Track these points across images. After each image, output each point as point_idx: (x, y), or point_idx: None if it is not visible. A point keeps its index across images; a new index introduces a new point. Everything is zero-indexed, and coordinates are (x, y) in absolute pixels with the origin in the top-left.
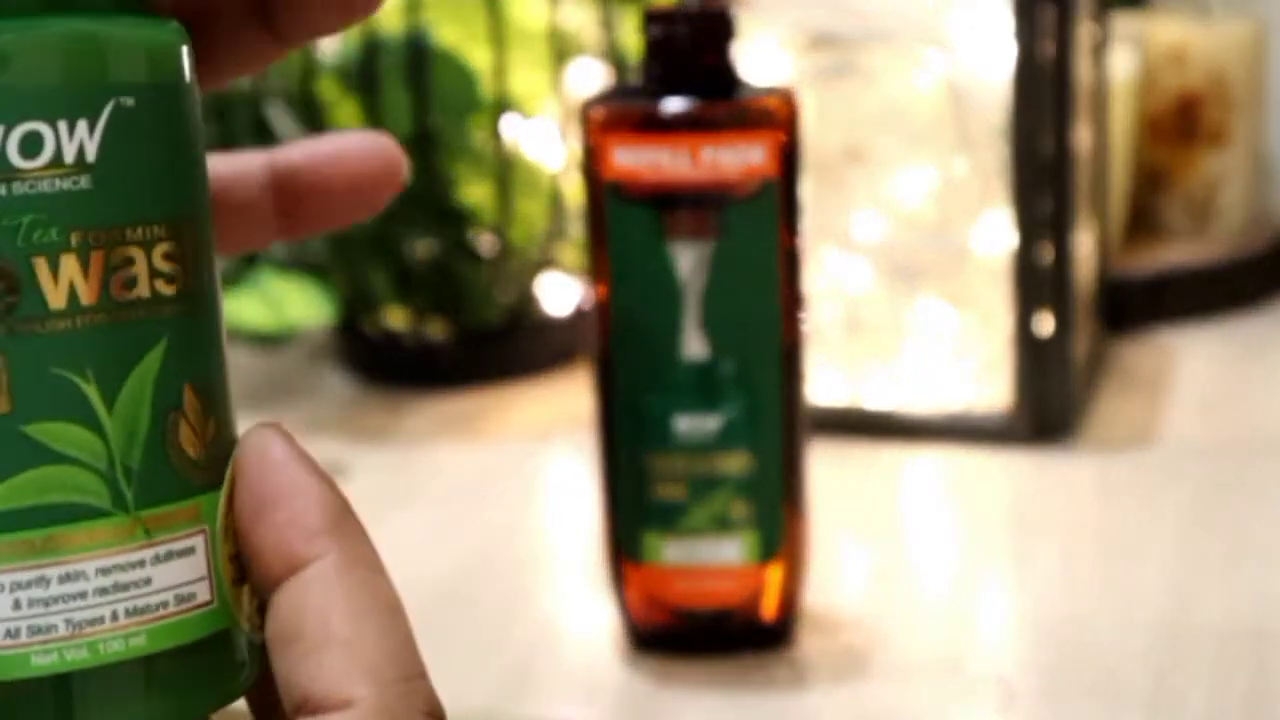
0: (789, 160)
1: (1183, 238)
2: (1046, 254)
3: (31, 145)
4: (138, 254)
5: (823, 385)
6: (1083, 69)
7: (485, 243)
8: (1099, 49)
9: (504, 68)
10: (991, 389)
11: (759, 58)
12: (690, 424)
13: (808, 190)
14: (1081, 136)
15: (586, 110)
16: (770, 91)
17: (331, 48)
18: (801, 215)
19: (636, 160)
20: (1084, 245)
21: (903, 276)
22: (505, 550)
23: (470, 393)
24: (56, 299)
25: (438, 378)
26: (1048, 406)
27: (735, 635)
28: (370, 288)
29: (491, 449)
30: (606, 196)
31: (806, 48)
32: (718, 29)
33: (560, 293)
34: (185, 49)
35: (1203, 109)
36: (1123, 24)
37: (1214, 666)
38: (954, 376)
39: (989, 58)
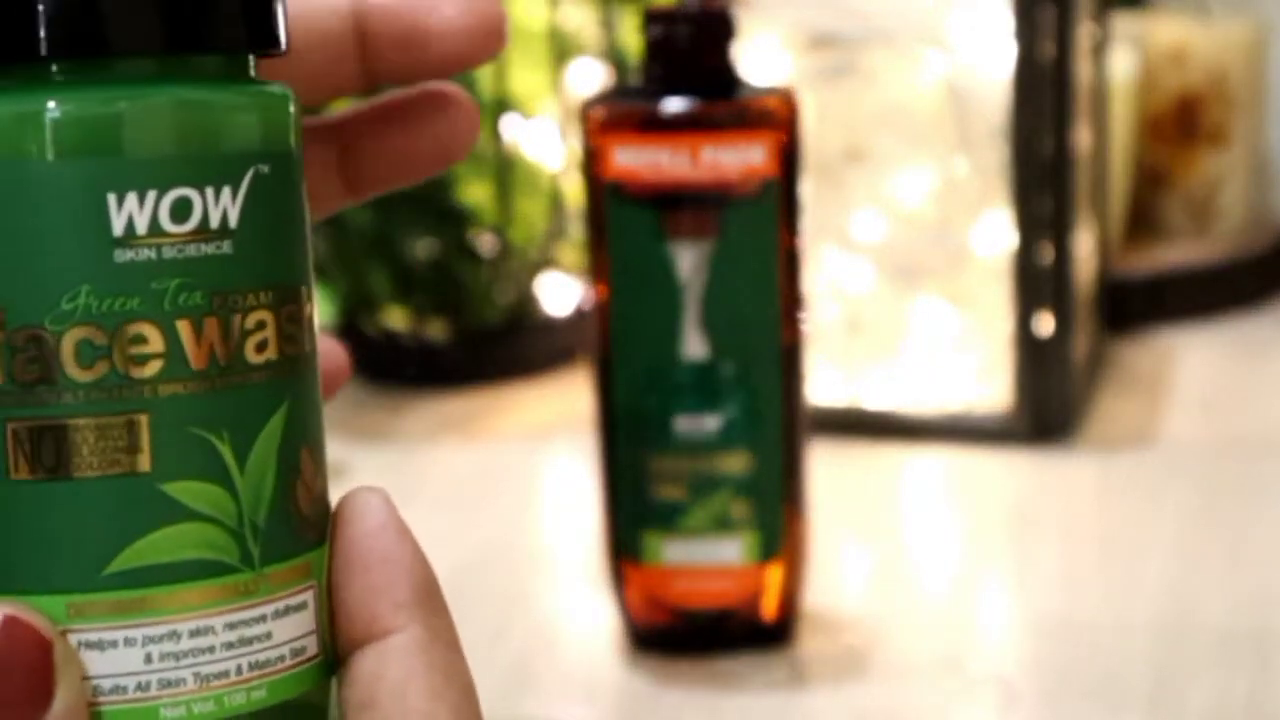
0: (789, 160)
1: (1183, 238)
2: (1046, 254)
3: (181, 210)
4: (269, 318)
5: (823, 385)
6: (1083, 69)
7: (485, 243)
8: (1099, 49)
9: (504, 68)
10: (991, 389)
11: (759, 58)
12: (690, 424)
13: (808, 190)
14: (1081, 136)
15: (586, 110)
16: (770, 91)
17: None
18: (801, 215)
19: (636, 160)
20: (1084, 245)
21: (903, 276)
22: (505, 550)
23: (470, 393)
24: (198, 360)
25: (438, 378)
26: (1048, 406)
27: (735, 635)
28: (370, 288)
29: (491, 449)
30: (606, 196)
31: (806, 48)
32: (718, 29)
33: (560, 293)
34: (297, 114)
35: (1203, 109)
36: (1123, 24)
37: (1214, 666)
38: (954, 376)
39: (989, 58)
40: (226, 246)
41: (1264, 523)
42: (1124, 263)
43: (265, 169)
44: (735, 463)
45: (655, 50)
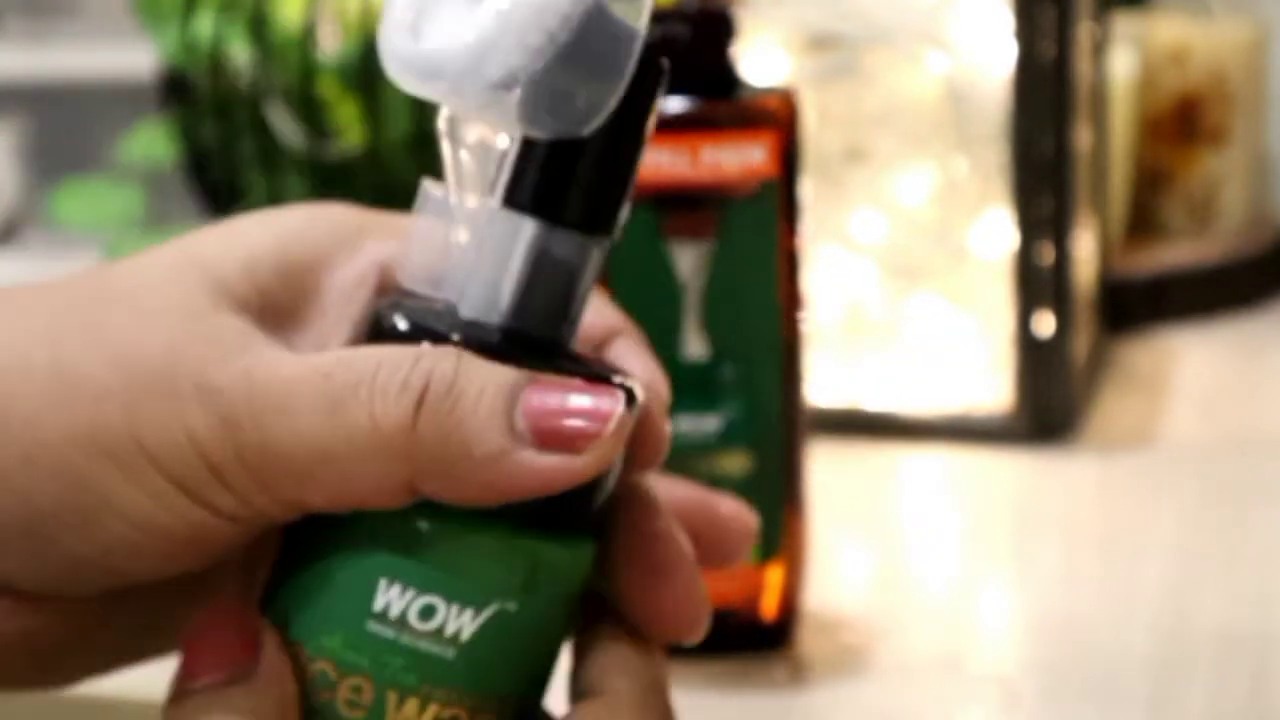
0: (789, 160)
1: (1183, 238)
2: (1046, 254)
3: (426, 613)
4: (464, 716)
5: (823, 385)
6: (1083, 69)
7: None
8: (1099, 49)
9: None
10: (991, 389)
11: (759, 58)
12: (690, 424)
13: (808, 190)
14: (1081, 136)
15: None
16: (770, 91)
17: (331, 47)
18: (801, 215)
19: None
20: (1084, 245)
21: (903, 276)
22: None
23: None
24: None
25: None
26: (1048, 406)
27: (735, 635)
28: None
29: None
30: None
31: (806, 48)
32: (718, 29)
33: None
34: (588, 566)
35: (1203, 109)
36: (1123, 24)
37: (1214, 667)
38: (954, 376)
39: (989, 58)
40: (451, 653)
41: (1264, 523)
42: (1124, 263)
43: (512, 607)
44: (735, 463)
45: (655, 50)
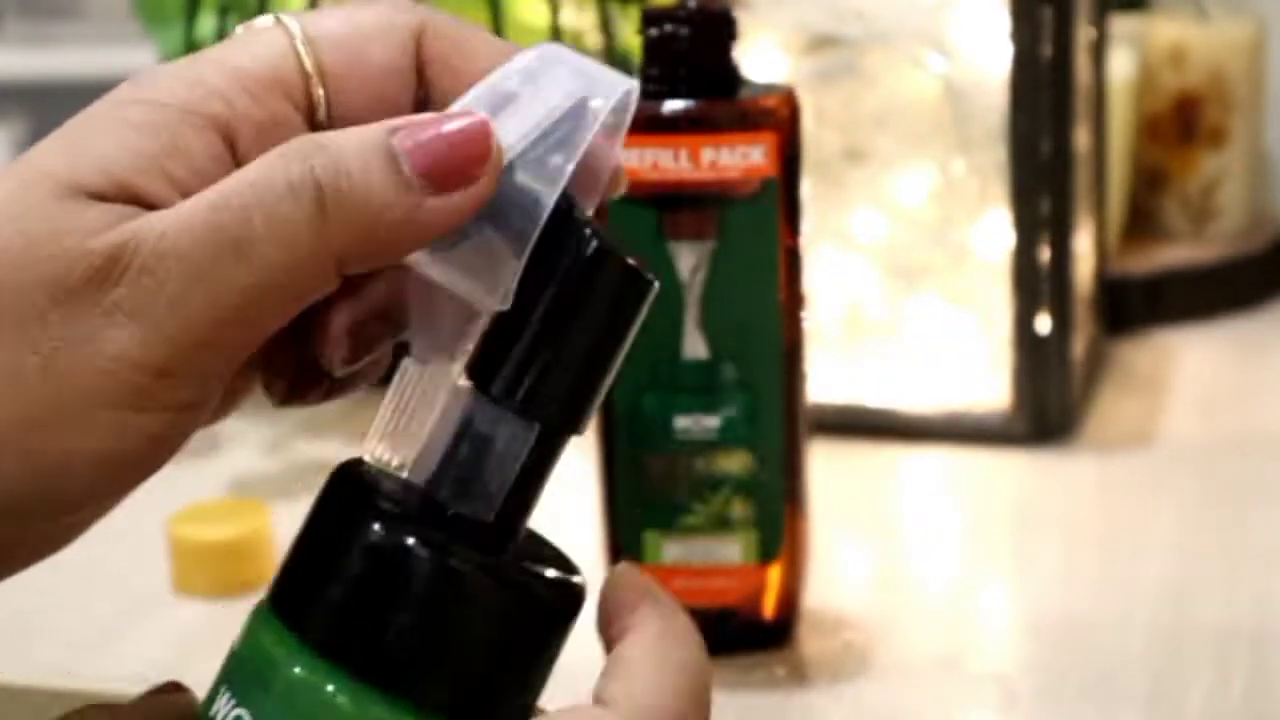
0: (789, 160)
1: (1182, 238)
2: (1046, 254)
3: None
4: None
5: (823, 385)
6: (1081, 69)
7: None
8: (1098, 49)
9: None
10: (990, 388)
11: (759, 58)
12: (690, 424)
13: (808, 190)
14: (1080, 137)
15: None
16: (770, 91)
17: None
18: (802, 215)
19: (637, 160)
20: (1083, 245)
21: (903, 276)
22: None
23: None
24: None
25: None
26: (1047, 406)
27: (735, 635)
28: None
29: None
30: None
31: (806, 49)
32: (718, 29)
33: None
34: None
35: (1202, 109)
36: (1122, 24)
37: (1213, 666)
38: (954, 376)
39: (988, 58)
40: None
41: (1263, 523)
42: (1123, 263)
43: None
44: (735, 463)
45: (655, 50)
